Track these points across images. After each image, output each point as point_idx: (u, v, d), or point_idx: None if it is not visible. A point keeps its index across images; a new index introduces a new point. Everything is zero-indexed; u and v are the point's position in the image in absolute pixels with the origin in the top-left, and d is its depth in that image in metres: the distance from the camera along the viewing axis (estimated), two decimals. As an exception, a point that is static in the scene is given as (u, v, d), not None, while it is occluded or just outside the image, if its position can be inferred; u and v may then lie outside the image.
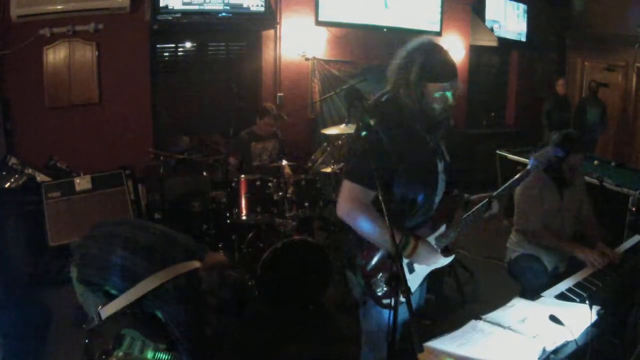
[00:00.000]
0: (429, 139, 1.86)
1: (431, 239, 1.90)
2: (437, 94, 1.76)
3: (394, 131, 1.76)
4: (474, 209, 2.00)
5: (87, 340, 2.11)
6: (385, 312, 1.84)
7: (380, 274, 1.89)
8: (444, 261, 1.89)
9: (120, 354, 2.05)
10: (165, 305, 2.06)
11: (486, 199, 2.03)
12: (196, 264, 2.18)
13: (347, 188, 1.81)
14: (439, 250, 1.87)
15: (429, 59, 1.76)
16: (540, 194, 2.79)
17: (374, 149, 1.71)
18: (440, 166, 1.92)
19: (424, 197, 1.86)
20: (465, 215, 1.98)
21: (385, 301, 1.89)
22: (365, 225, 1.77)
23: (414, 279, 1.95)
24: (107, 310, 2.04)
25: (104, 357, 2.02)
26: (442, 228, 1.92)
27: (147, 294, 2.02)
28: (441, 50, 1.82)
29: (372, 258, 1.88)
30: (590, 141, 7.08)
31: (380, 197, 1.55)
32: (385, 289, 1.88)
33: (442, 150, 1.93)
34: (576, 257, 2.61)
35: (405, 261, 1.88)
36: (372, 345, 2.03)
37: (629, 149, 7.89)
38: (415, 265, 1.93)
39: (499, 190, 2.11)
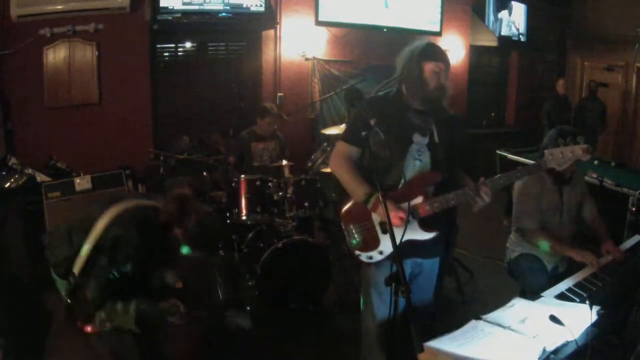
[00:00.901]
0: (414, 117, 2.14)
1: (405, 205, 2.06)
2: (432, 72, 2.10)
3: (380, 108, 2.13)
4: (459, 190, 2.08)
5: (69, 302, 2.15)
6: (368, 267, 2.21)
7: (351, 225, 2.19)
8: (414, 229, 2.08)
9: (103, 314, 2.07)
10: (126, 248, 2.03)
11: (480, 185, 2.09)
12: (150, 202, 2.16)
13: (337, 145, 2.28)
14: (412, 217, 2.06)
15: (428, 45, 2.18)
16: (539, 193, 2.79)
17: (360, 115, 2.09)
18: (421, 140, 2.15)
19: (392, 160, 2.12)
20: (449, 194, 2.08)
21: (357, 253, 2.19)
22: (340, 174, 2.21)
23: (386, 242, 2.11)
24: (77, 265, 2.05)
25: (86, 319, 2.09)
26: (419, 199, 2.09)
27: (104, 237, 2.01)
28: (434, 44, 2.22)
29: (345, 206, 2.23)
30: (589, 141, 7.08)
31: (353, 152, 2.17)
32: (354, 241, 2.18)
33: (430, 129, 2.14)
34: (573, 258, 2.61)
35: (377, 220, 2.13)
36: (364, 298, 2.30)
37: (629, 149, 7.89)
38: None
39: (494, 177, 2.13)
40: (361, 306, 2.34)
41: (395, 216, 2.00)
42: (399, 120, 2.14)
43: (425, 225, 2.10)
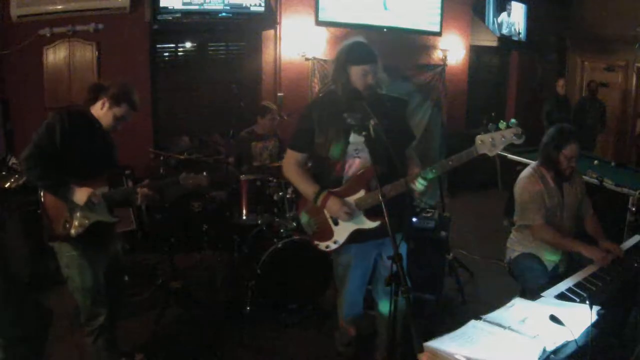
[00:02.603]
0: (347, 118, 2.22)
1: (349, 199, 2.33)
2: (359, 75, 2.25)
3: (319, 112, 2.37)
4: (395, 182, 2.23)
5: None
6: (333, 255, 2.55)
7: (308, 219, 2.50)
8: (361, 219, 2.34)
9: (78, 214, 2.44)
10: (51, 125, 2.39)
11: (413, 176, 2.24)
12: None
13: (286, 153, 2.52)
14: (357, 209, 2.32)
15: (353, 48, 2.31)
16: (542, 190, 2.80)
17: (304, 123, 2.41)
18: (357, 138, 2.28)
19: (333, 160, 2.34)
20: (388, 185, 2.22)
21: (316, 243, 2.49)
22: (291, 178, 2.48)
23: (340, 232, 2.40)
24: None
25: (65, 225, 2.41)
26: (361, 192, 2.32)
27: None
28: (360, 42, 2.33)
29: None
30: (589, 141, 7.10)
31: (300, 158, 2.43)
32: (311, 232, 2.49)
33: (366, 126, 2.16)
34: (581, 254, 2.61)
35: (328, 215, 2.39)
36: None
37: (629, 149, 7.90)
38: (339, 220, 2.39)
39: (427, 168, 2.23)
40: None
41: (341, 211, 2.29)
42: (336, 122, 2.30)
43: (370, 215, 2.33)
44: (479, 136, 2.16)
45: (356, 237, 2.40)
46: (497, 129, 2.13)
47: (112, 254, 2.68)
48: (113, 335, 2.65)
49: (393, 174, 2.21)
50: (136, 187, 2.61)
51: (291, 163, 2.47)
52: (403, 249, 2.49)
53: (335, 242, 2.43)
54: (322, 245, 2.47)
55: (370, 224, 2.35)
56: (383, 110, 2.25)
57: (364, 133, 2.16)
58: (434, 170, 2.21)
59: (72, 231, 2.42)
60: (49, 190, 2.40)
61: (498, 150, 2.17)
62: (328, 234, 2.44)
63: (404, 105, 2.54)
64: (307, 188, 2.40)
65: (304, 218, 2.53)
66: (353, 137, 2.32)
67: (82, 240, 2.44)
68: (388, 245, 2.36)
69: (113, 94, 2.47)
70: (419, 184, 2.23)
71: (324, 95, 2.48)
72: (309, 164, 2.59)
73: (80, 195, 2.38)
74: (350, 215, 2.31)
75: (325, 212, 2.39)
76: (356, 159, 2.34)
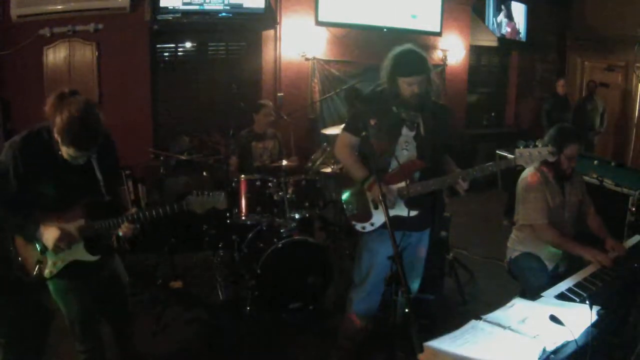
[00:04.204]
0: (402, 112, 2.45)
1: (393, 187, 2.46)
2: (405, 85, 2.38)
3: (377, 102, 2.52)
4: (440, 177, 2.42)
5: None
6: (362, 235, 2.62)
7: (346, 192, 2.64)
8: (400, 207, 2.45)
9: (52, 254, 2.10)
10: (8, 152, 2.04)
11: (457, 175, 2.41)
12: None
13: (340, 135, 2.66)
14: (398, 198, 2.45)
15: (401, 60, 2.41)
16: (544, 189, 2.80)
17: (359, 111, 2.65)
18: (408, 133, 2.47)
19: (384, 150, 2.47)
20: (430, 180, 2.42)
21: (352, 223, 2.60)
22: (343, 159, 2.63)
23: (379, 216, 2.51)
24: None
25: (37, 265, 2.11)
26: (402, 183, 2.44)
27: None
28: (410, 52, 2.42)
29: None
30: (588, 141, 7.10)
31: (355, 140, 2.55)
32: (353, 211, 2.60)
33: (417, 123, 2.46)
34: (583, 257, 2.61)
35: (371, 198, 2.51)
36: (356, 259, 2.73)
37: (629, 149, 7.90)
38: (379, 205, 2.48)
39: (468, 169, 2.40)
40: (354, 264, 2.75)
41: (385, 198, 2.30)
42: (390, 115, 2.47)
43: (410, 204, 2.42)
44: (519, 149, 2.39)
45: (391, 223, 2.43)
46: (535, 146, 2.41)
47: (106, 276, 2.35)
48: (103, 355, 2.41)
49: (435, 170, 2.45)
50: (120, 220, 2.15)
51: (344, 144, 2.61)
52: (425, 242, 2.68)
53: (372, 224, 2.55)
54: (358, 226, 2.58)
55: (407, 213, 2.43)
56: (431, 113, 2.47)
57: (414, 128, 2.43)
58: (475, 173, 2.39)
59: (46, 272, 2.14)
60: (13, 232, 2.13)
61: (532, 165, 2.50)
62: (367, 216, 2.55)
63: (449, 113, 2.71)
64: (357, 170, 2.53)
65: (346, 197, 2.65)
66: (404, 130, 2.48)
67: (64, 277, 2.17)
68: (414, 239, 2.61)
69: (58, 130, 1.94)
70: (461, 185, 2.39)
71: (378, 91, 2.55)
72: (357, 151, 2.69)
73: (47, 237, 2.05)
74: (392, 203, 2.43)
75: (369, 195, 2.51)
76: (404, 151, 2.48)
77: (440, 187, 2.47)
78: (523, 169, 3.02)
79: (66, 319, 2.28)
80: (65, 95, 1.98)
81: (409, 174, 2.45)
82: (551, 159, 2.44)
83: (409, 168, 2.46)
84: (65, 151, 1.98)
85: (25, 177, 2.00)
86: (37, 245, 2.12)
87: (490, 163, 2.39)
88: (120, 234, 2.16)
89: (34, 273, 2.13)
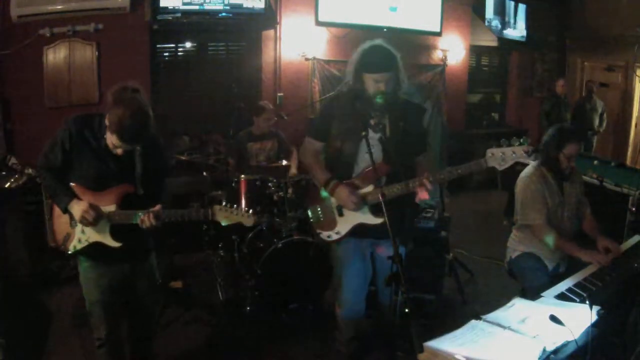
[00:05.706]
0: (366, 113, 2.34)
1: (357, 192, 2.36)
2: (372, 82, 2.27)
3: (340, 104, 2.45)
4: (404, 181, 2.27)
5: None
6: (333, 246, 2.55)
7: (314, 206, 2.54)
8: (366, 214, 2.37)
9: (79, 227, 2.25)
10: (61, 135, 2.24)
11: (422, 178, 2.26)
12: None
13: (305, 140, 2.60)
14: (362, 201, 2.34)
15: (367, 56, 2.30)
16: (543, 189, 2.80)
17: (321, 114, 2.62)
18: (373, 135, 2.31)
19: (348, 153, 2.40)
20: (397, 184, 2.28)
21: (318, 232, 2.53)
22: (307, 163, 2.56)
23: (343, 223, 2.44)
24: None
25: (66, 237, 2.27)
26: (369, 187, 2.36)
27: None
28: (378, 47, 2.32)
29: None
30: (588, 141, 7.10)
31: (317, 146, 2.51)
32: (315, 219, 2.53)
33: (383, 124, 2.31)
34: (580, 258, 2.61)
35: (335, 204, 2.43)
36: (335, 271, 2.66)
37: (629, 148, 7.89)
38: (344, 210, 2.43)
39: (437, 172, 2.26)
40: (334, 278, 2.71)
41: (348, 200, 2.32)
42: (355, 116, 2.35)
43: (375, 211, 2.33)
44: (490, 149, 2.21)
45: (357, 231, 2.43)
46: (509, 144, 2.18)
47: (137, 271, 2.40)
48: (120, 348, 2.44)
49: (402, 174, 2.26)
50: (147, 211, 2.21)
51: (308, 149, 2.56)
52: (401, 253, 2.47)
53: (337, 233, 2.45)
54: (324, 235, 2.49)
55: (374, 220, 2.37)
56: (400, 114, 2.35)
57: (379, 130, 2.27)
58: (442, 177, 2.25)
59: (70, 246, 2.26)
60: (53, 200, 2.28)
61: (507, 166, 2.21)
62: (331, 224, 2.46)
63: (421, 112, 2.56)
64: (319, 174, 2.45)
65: (312, 206, 2.57)
66: (369, 133, 2.32)
67: (88, 256, 2.29)
68: (383, 245, 2.47)
69: (109, 118, 2.11)
70: (424, 188, 2.25)
71: (347, 91, 2.46)
72: (323, 155, 2.61)
73: (76, 208, 2.18)
74: (357, 206, 2.34)
75: (332, 201, 2.44)
76: (367, 154, 2.29)
77: (406, 193, 2.29)
78: (523, 168, 3.02)
79: (87, 304, 2.34)
80: (127, 89, 2.13)
81: (373, 179, 2.33)
82: (526, 160, 2.22)
83: (375, 172, 2.28)
84: (109, 138, 2.15)
85: (70, 153, 2.20)
86: (69, 219, 2.26)
87: (460, 166, 2.23)
88: (138, 221, 2.20)
89: (60, 245, 2.29)
